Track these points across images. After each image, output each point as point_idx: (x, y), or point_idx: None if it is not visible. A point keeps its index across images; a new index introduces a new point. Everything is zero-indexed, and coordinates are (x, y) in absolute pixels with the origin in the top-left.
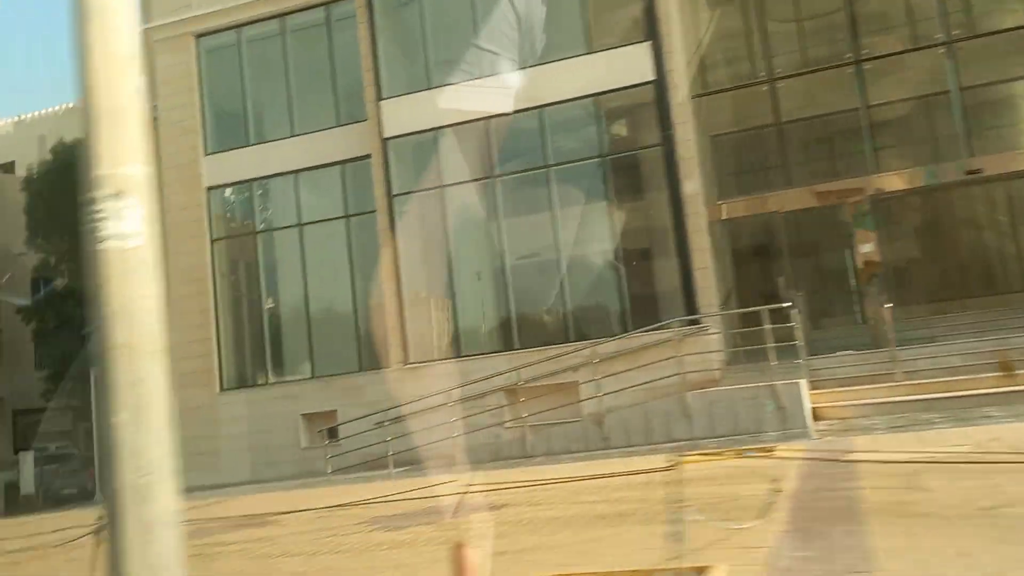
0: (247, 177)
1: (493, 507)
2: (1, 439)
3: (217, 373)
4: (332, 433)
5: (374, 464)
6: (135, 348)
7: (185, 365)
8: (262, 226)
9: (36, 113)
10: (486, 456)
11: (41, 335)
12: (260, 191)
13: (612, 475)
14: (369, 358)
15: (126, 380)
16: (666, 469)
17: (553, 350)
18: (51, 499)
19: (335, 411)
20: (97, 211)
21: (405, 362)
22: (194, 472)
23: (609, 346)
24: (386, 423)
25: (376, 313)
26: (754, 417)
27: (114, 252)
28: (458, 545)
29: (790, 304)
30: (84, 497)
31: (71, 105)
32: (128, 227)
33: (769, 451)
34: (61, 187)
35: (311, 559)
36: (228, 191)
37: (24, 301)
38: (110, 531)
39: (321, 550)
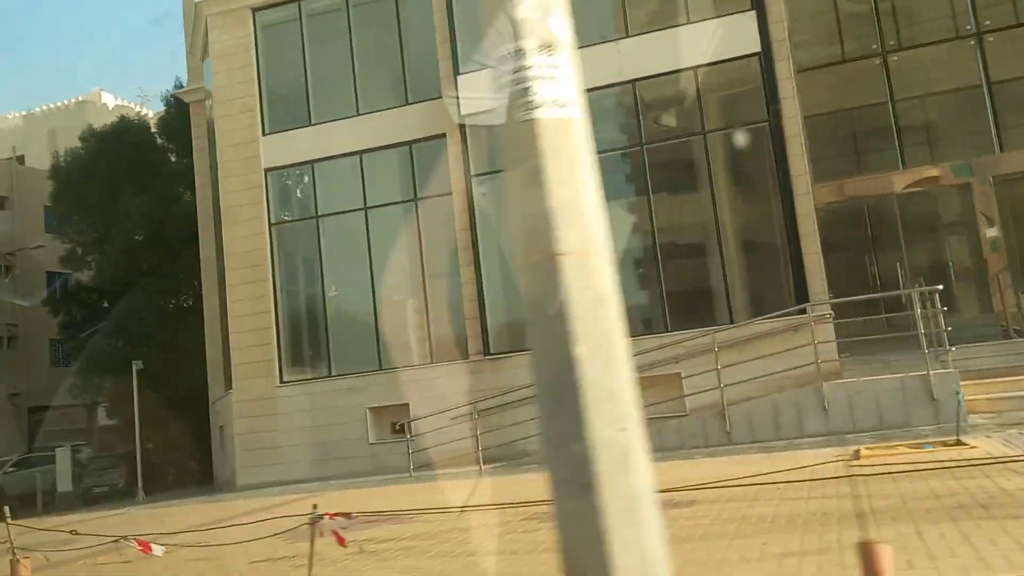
0: (308, 158)
1: (684, 504)
2: (18, 437)
3: (276, 364)
4: (402, 428)
5: (456, 461)
6: (585, 253)
7: (242, 355)
8: (324, 210)
9: (45, 107)
10: None
11: (67, 328)
12: (322, 173)
13: (791, 469)
14: (443, 349)
15: (578, 294)
16: (848, 463)
17: (651, 340)
18: (83, 498)
19: (406, 405)
20: (523, 67)
21: (485, 353)
22: (252, 468)
23: (721, 335)
24: (475, 416)
25: (451, 301)
26: (902, 409)
27: (549, 123)
28: (867, 543)
29: (938, 287)
30: (118, 496)
31: (81, 99)
32: (562, 93)
33: (951, 445)
34: (91, 175)
35: (513, 558)
36: (287, 173)
37: (26, 302)
38: (558, 509)
39: (516, 549)
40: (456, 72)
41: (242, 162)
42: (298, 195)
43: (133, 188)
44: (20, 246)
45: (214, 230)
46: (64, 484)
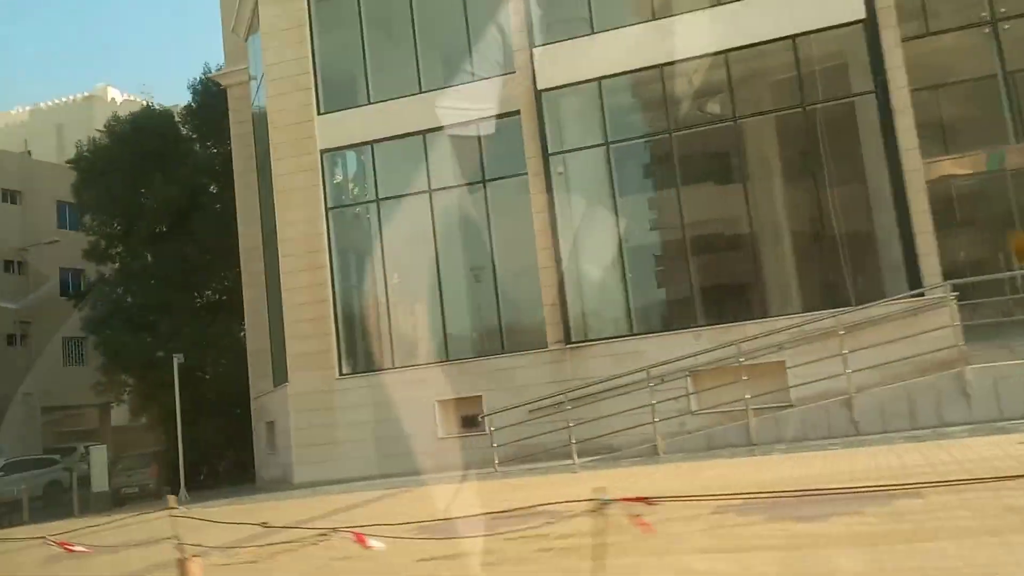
0: (367, 139)
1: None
2: (33, 437)
3: (335, 355)
4: (473, 422)
5: (540, 456)
6: None
7: (298, 346)
8: (385, 193)
9: (52, 102)
10: (697, 445)
11: (93, 324)
12: (382, 154)
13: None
14: (518, 338)
15: None
16: None
17: (750, 327)
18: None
19: (479, 397)
20: None
21: (565, 342)
22: (310, 465)
23: (828, 321)
24: (565, 407)
25: (526, 288)
26: None
27: None
28: None
29: None
30: (150, 496)
31: (88, 94)
32: None
33: None
34: (115, 165)
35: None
36: (345, 154)
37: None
38: None
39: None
40: (532, 44)
41: (296, 143)
42: (357, 178)
43: (159, 178)
44: (32, 242)
45: (260, 218)
46: (100, 484)
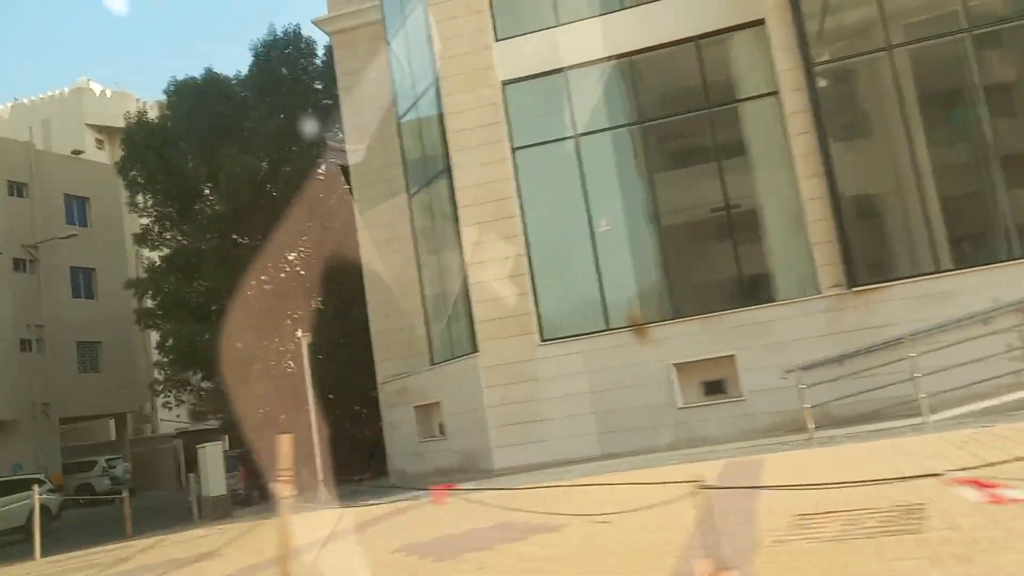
0: (558, 66)
1: None
2: (52, 451)
3: (535, 318)
4: (718, 388)
5: (811, 424)
6: None
7: (487, 311)
8: (584, 128)
9: (35, 97)
10: None
11: (149, 316)
12: (579, 83)
13: None
14: (776, 285)
15: None
16: None
17: None
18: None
19: (728, 358)
20: None
21: (849, 285)
22: (510, 448)
23: None
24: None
25: (783, 225)
26: None
27: None
28: None
29: None
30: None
31: (76, 86)
32: None
33: None
34: (175, 138)
35: None
36: (532, 86)
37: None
38: None
39: None
40: None
41: (471, 76)
42: (547, 112)
43: (233, 150)
44: (41, 238)
45: (380, 182)
46: (217, 487)
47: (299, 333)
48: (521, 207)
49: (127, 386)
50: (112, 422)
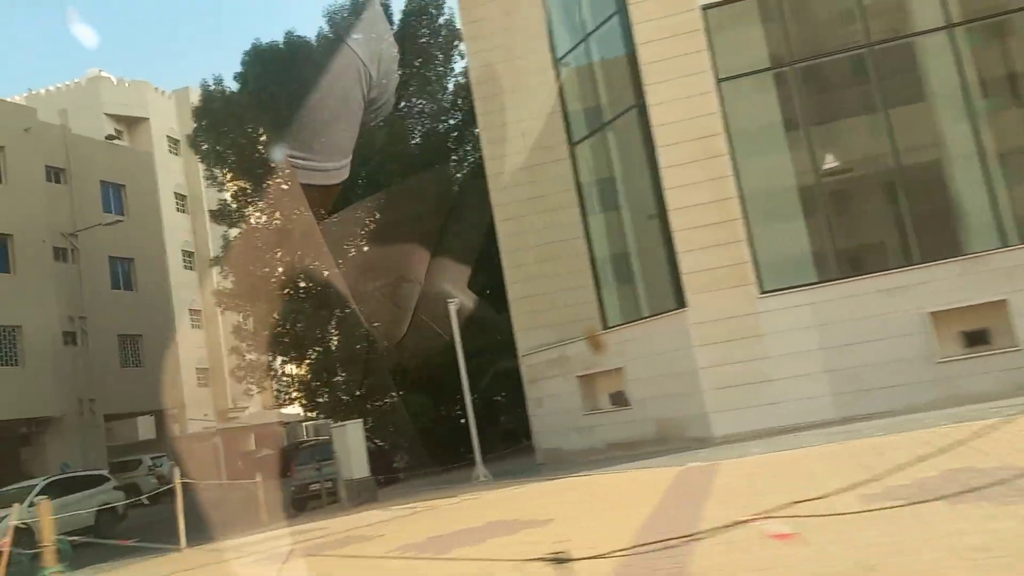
0: None
1: None
2: (97, 450)
3: (752, 267)
4: (982, 338)
5: None
6: None
7: (695, 262)
8: (804, 52)
9: (51, 87)
10: None
11: (231, 297)
12: (793, 4)
13: None
14: None
15: None
16: None
17: None
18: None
19: (1000, 303)
20: None
21: None
22: (730, 413)
23: None
24: None
25: None
26: None
27: None
28: None
29: None
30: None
31: (92, 76)
32: None
33: None
34: (266, 103)
35: None
36: (736, 7)
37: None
38: None
39: None
40: None
41: (665, 1)
42: (756, 38)
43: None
44: (81, 225)
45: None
46: (360, 469)
47: (449, 302)
48: (730, 145)
49: (169, 382)
50: (137, 421)
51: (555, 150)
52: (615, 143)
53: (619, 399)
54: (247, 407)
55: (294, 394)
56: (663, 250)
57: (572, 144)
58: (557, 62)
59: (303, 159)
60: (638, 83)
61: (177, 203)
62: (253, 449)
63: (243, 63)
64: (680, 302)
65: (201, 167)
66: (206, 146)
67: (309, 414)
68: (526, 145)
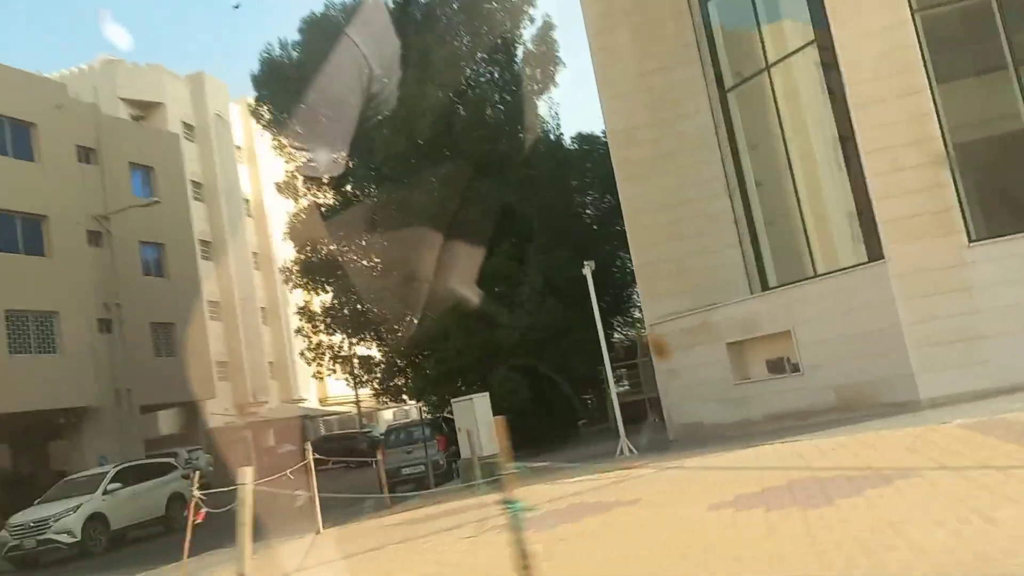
0: None
1: None
2: (134, 443)
3: (958, 214)
4: None
5: None
6: None
7: (895, 208)
8: None
9: (64, 71)
10: None
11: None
12: None
13: None
14: None
15: None
16: None
17: None
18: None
19: None
20: None
21: None
22: (938, 374)
23: None
24: None
25: None
26: None
27: None
28: None
29: None
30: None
31: (106, 60)
32: None
33: None
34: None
35: None
36: None
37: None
38: None
39: None
40: None
41: None
42: None
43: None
44: (112, 208)
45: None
46: (490, 446)
47: (585, 265)
48: (931, 80)
49: (200, 373)
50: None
51: (688, 103)
52: (782, 87)
53: (778, 366)
54: (266, 401)
55: (364, 376)
56: (846, 200)
57: (725, 91)
58: (702, 4)
59: None
60: (818, 16)
61: (194, 191)
62: (279, 443)
63: (300, 31)
64: (874, 254)
65: (217, 154)
66: (268, 117)
67: (385, 399)
68: (652, 100)
